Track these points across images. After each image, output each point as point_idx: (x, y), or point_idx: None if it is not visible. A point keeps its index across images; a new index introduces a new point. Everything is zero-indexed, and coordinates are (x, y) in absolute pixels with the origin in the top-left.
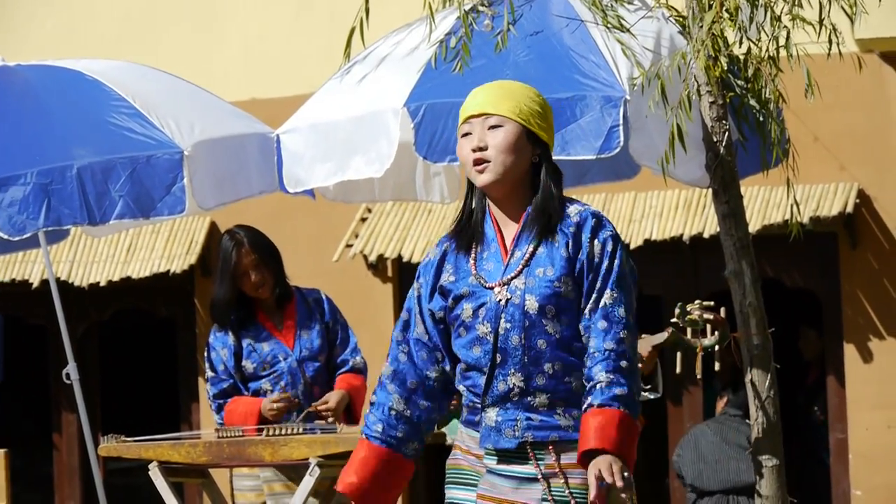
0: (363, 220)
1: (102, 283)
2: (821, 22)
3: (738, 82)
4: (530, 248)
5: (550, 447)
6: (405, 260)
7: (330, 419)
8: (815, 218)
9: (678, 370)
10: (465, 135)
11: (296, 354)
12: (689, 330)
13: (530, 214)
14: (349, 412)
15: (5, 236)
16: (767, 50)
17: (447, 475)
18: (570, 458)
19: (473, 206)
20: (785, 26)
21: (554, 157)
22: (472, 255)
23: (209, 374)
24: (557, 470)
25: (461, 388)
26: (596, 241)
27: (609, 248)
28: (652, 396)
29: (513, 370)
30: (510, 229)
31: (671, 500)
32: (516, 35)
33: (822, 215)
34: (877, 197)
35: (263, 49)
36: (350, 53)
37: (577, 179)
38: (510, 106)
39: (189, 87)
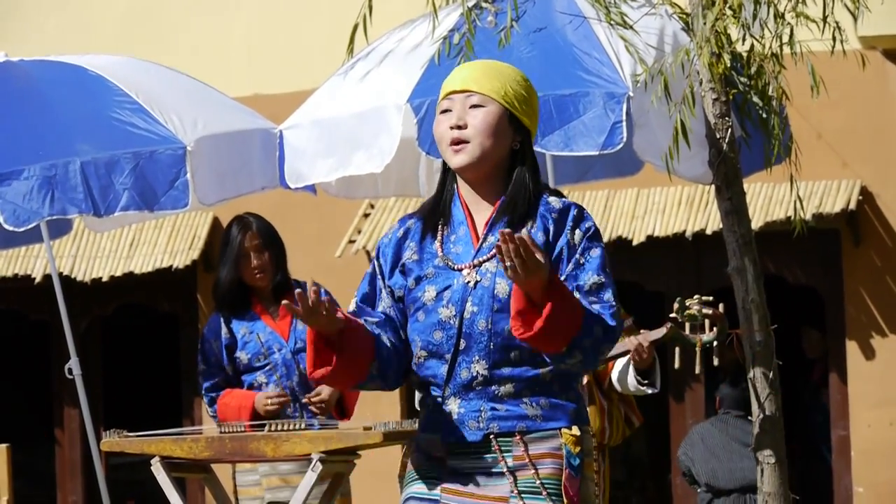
0: (366, 215)
1: (105, 279)
2: (824, 19)
3: (742, 79)
4: None
5: (518, 437)
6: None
7: (319, 415)
8: (818, 215)
9: (677, 365)
10: (445, 111)
11: (290, 346)
12: (687, 325)
13: (506, 201)
14: (341, 406)
15: (10, 227)
16: (770, 47)
17: (406, 476)
18: (539, 447)
19: (445, 187)
20: (788, 23)
21: (557, 153)
22: (439, 238)
23: (201, 366)
24: (527, 461)
25: (420, 381)
26: (578, 230)
27: (591, 237)
28: (650, 391)
29: (477, 357)
30: (482, 214)
31: (673, 497)
32: (519, 31)
33: (825, 212)
34: (879, 194)
35: (267, 45)
36: (353, 50)
37: (580, 175)
38: (495, 86)
39: (192, 82)
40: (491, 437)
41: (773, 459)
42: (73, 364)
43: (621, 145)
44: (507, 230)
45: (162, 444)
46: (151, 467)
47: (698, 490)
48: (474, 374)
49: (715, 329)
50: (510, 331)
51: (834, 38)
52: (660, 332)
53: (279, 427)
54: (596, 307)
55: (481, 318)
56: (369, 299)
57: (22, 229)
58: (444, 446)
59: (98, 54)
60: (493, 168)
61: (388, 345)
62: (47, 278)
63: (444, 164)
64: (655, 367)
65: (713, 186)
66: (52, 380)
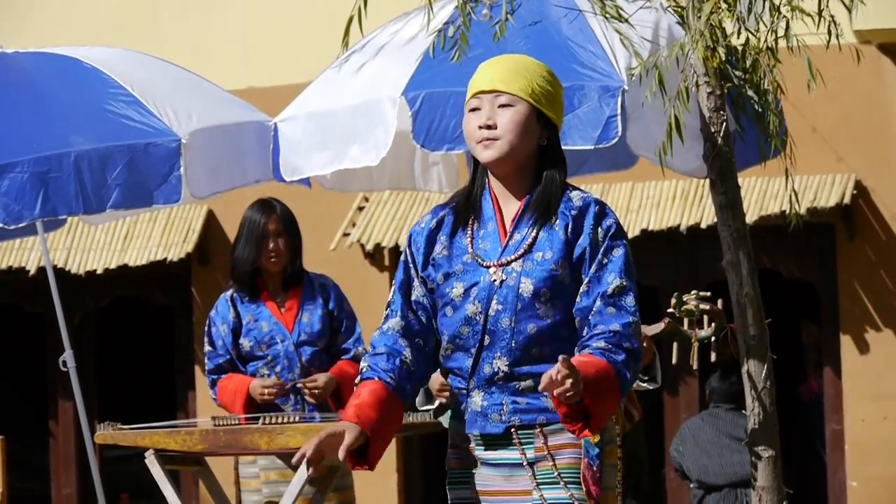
0: (360, 208)
1: (99, 271)
2: (819, 13)
3: (737, 73)
4: (532, 233)
5: (538, 430)
6: (402, 249)
7: (314, 401)
8: (813, 209)
9: (674, 361)
10: (474, 109)
11: (293, 338)
12: (685, 320)
13: (532, 198)
14: (336, 397)
15: (1, 225)
16: (766, 41)
17: (447, 476)
18: (558, 439)
19: (476, 182)
20: (783, 17)
21: None
22: (469, 233)
23: (207, 348)
24: (546, 453)
25: (446, 371)
26: (600, 229)
27: (613, 235)
28: (650, 387)
29: (499, 353)
30: (510, 208)
31: (667, 492)
32: (514, 25)
33: (820, 206)
34: (874, 188)
35: (261, 37)
36: (348, 42)
37: (574, 169)
38: (522, 84)
39: (187, 75)
40: (512, 429)
41: (767, 454)
42: (68, 357)
43: (616, 139)
44: (552, 379)
45: (156, 437)
46: (145, 460)
47: (690, 486)
48: (496, 369)
49: (713, 325)
50: (532, 330)
51: (829, 33)
52: (658, 327)
53: (274, 420)
54: (615, 322)
55: (505, 317)
56: (405, 287)
57: (13, 227)
58: (468, 437)
59: (93, 46)
60: (522, 164)
61: (411, 360)
62: (42, 271)
63: (474, 158)
64: (656, 362)
65: (708, 180)
66: (47, 372)
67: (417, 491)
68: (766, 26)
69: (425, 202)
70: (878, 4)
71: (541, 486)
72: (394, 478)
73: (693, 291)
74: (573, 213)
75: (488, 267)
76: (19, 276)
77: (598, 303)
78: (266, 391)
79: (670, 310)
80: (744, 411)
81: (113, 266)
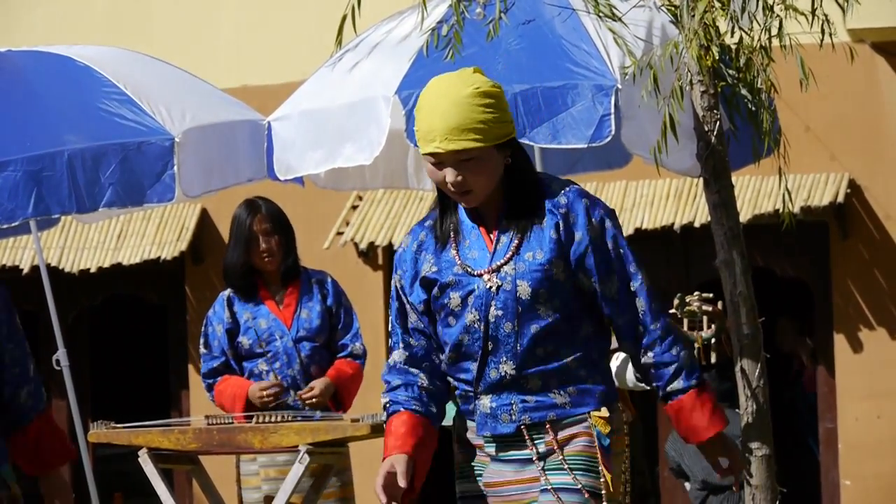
0: (354, 207)
1: (93, 270)
2: (813, 12)
3: (730, 72)
4: (518, 234)
5: (548, 426)
6: (396, 248)
7: (310, 407)
8: (806, 208)
9: None
10: (435, 162)
11: (292, 334)
12: (685, 321)
13: (511, 202)
14: (336, 399)
15: None
16: (759, 40)
17: (457, 470)
18: (567, 432)
19: (447, 203)
20: (777, 16)
21: (545, 146)
22: (453, 246)
23: (202, 350)
24: (555, 446)
25: (451, 378)
26: (593, 223)
27: (609, 227)
28: (647, 387)
29: (504, 358)
30: (490, 216)
31: (662, 490)
32: (508, 23)
33: (813, 205)
34: (868, 187)
35: (255, 36)
36: (342, 41)
37: (568, 168)
38: (478, 135)
39: (180, 73)
40: (523, 428)
41: (760, 452)
42: (61, 355)
43: (610, 138)
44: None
45: (149, 436)
46: (139, 459)
47: (686, 485)
48: (503, 373)
49: (714, 325)
50: (536, 331)
51: (822, 31)
52: None
53: (267, 419)
54: (658, 322)
55: (507, 322)
56: (401, 315)
57: (6, 226)
58: (479, 437)
59: (86, 45)
60: (496, 185)
61: (427, 384)
62: (35, 269)
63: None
64: None
65: (701, 179)
66: (40, 371)
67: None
68: (760, 25)
69: (419, 201)
70: (872, 4)
71: (547, 472)
72: None
73: (696, 293)
74: (561, 210)
75: (480, 275)
76: (13, 275)
77: (640, 301)
78: (265, 394)
79: (672, 310)
80: (737, 410)
81: (106, 265)
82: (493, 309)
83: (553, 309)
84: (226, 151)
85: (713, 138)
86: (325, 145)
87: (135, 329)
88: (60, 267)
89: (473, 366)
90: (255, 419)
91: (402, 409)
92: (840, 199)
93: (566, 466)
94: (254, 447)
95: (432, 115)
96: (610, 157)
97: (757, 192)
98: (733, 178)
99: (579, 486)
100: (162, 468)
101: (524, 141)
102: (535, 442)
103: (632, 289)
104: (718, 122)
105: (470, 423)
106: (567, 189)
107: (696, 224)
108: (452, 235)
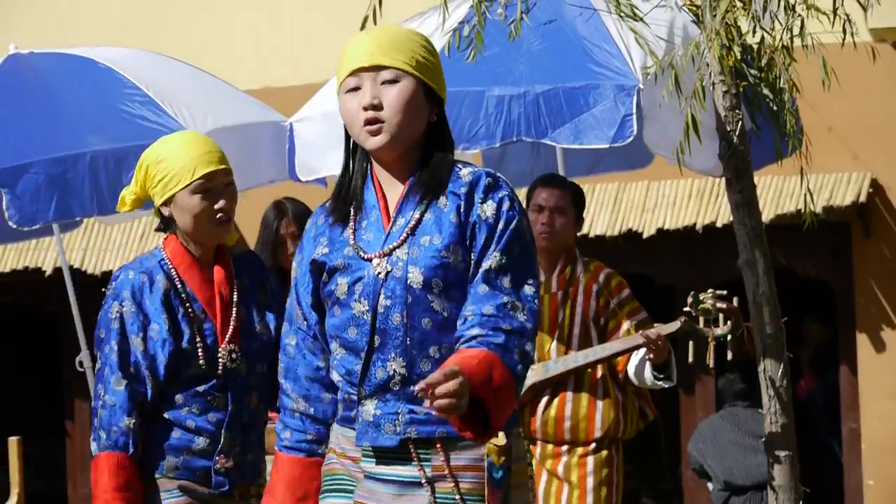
0: None
1: (115, 271)
2: (834, 11)
3: (752, 72)
4: (416, 215)
5: (438, 445)
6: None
7: None
8: (828, 207)
9: (690, 359)
10: (352, 90)
11: None
12: (701, 319)
13: (416, 178)
14: None
15: (16, 227)
16: (781, 39)
17: (323, 482)
18: (459, 458)
19: (354, 169)
20: (799, 15)
21: (567, 146)
22: (351, 224)
23: None
24: (446, 472)
25: (335, 377)
26: (489, 202)
27: (505, 208)
28: (666, 385)
29: (393, 354)
30: (394, 194)
31: (685, 490)
32: (529, 24)
33: (836, 205)
34: (890, 186)
35: (276, 37)
36: None
37: (590, 168)
38: (406, 56)
39: (202, 75)
40: (409, 443)
41: (784, 452)
42: (84, 357)
43: (632, 138)
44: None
45: None
46: None
47: (709, 485)
48: (391, 372)
49: (729, 323)
50: (428, 325)
51: (844, 31)
52: (674, 326)
53: None
54: (487, 303)
55: (395, 313)
56: (291, 312)
57: (27, 229)
58: (357, 449)
59: (108, 47)
60: (410, 146)
61: (327, 402)
62: (58, 271)
63: (352, 144)
64: (671, 361)
65: (723, 179)
66: (63, 373)
67: None
68: (782, 25)
69: None
70: (893, 3)
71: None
72: None
73: (710, 290)
74: (463, 189)
75: (370, 259)
76: (35, 277)
77: (474, 281)
78: None
79: (686, 308)
80: (760, 410)
81: None
82: (381, 298)
83: (449, 302)
84: (248, 153)
85: (735, 138)
86: None
87: None
88: (83, 269)
89: (358, 364)
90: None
91: (277, 450)
92: (862, 198)
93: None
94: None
95: (365, 38)
96: (631, 157)
97: (779, 192)
98: (755, 178)
99: None
100: None
101: (546, 141)
102: (423, 462)
103: (486, 268)
104: (740, 122)
105: (348, 433)
106: (475, 169)
107: (719, 224)
108: (353, 212)
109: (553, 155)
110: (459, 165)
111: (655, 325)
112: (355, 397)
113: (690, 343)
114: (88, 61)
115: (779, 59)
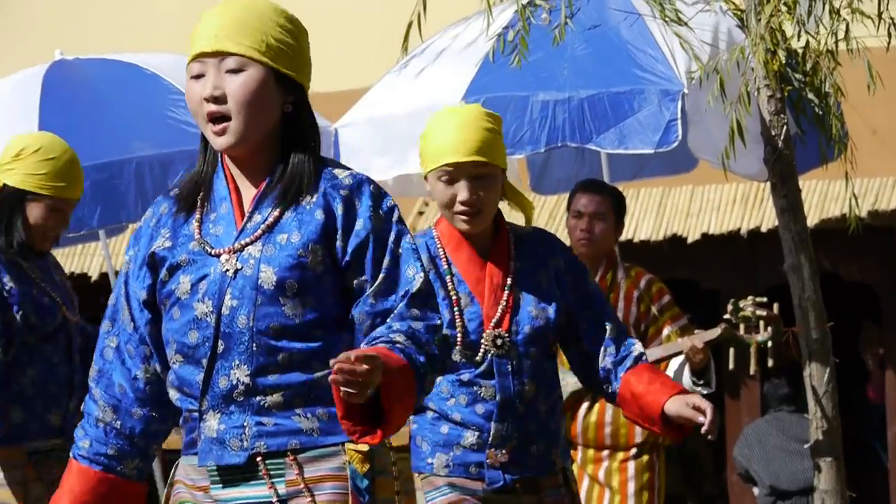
0: (420, 213)
1: None
2: (879, 15)
3: (797, 76)
4: (275, 213)
5: (290, 458)
6: None
7: None
8: (874, 212)
9: (731, 366)
10: (197, 76)
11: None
12: (741, 326)
13: (277, 173)
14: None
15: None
16: (826, 43)
17: None
18: (316, 469)
19: (206, 158)
20: (843, 19)
21: (612, 151)
22: (197, 217)
23: None
24: (301, 486)
25: (172, 393)
26: (380, 211)
27: (398, 219)
28: (705, 391)
29: (237, 361)
30: (250, 188)
31: (730, 495)
32: (574, 29)
33: (881, 209)
34: None
35: (321, 43)
36: (408, 47)
37: (634, 173)
38: (253, 40)
39: None
40: (258, 458)
41: (830, 457)
42: None
43: (676, 143)
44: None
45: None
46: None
47: (755, 490)
48: (234, 382)
49: (769, 329)
50: (277, 330)
51: (889, 35)
52: (714, 333)
53: None
54: (420, 323)
55: (242, 314)
56: (115, 310)
57: (73, 234)
58: (204, 472)
59: (154, 53)
60: (262, 141)
61: (138, 417)
62: (104, 276)
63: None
64: (710, 367)
65: (768, 183)
66: None
67: None
68: (826, 29)
69: None
70: None
71: None
72: None
73: (749, 297)
74: (342, 192)
75: (218, 255)
76: (81, 283)
77: (401, 304)
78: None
79: (727, 316)
80: (806, 415)
81: None
82: (228, 298)
83: (304, 307)
84: None
85: (780, 142)
86: (391, 151)
87: None
88: None
89: (199, 375)
90: None
91: (71, 456)
92: None
93: None
94: None
95: (213, 16)
96: (676, 161)
97: (824, 196)
98: (800, 182)
99: None
100: None
101: (591, 146)
102: (274, 479)
103: (412, 292)
104: (785, 127)
105: (193, 460)
106: (354, 173)
107: (764, 229)
108: (199, 203)
109: (598, 160)
110: (332, 162)
111: (696, 331)
112: (196, 413)
113: (731, 350)
114: (134, 67)
115: (823, 64)
